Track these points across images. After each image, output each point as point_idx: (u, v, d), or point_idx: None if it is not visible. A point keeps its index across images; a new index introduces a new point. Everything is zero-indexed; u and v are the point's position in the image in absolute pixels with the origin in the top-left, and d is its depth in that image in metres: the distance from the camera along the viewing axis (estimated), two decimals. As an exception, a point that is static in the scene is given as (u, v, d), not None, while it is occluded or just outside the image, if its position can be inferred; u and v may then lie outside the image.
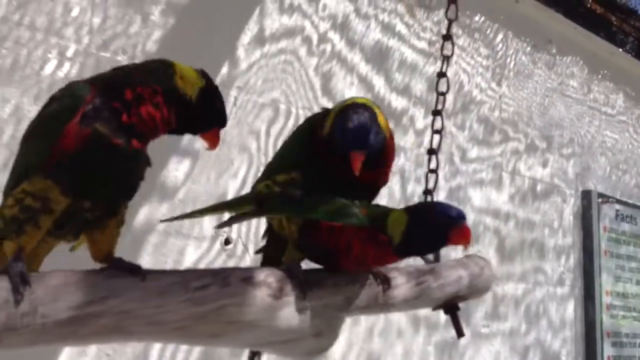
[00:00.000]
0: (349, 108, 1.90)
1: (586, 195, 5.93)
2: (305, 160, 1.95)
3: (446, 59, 2.79)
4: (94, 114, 1.48)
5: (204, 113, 1.64)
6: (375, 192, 2.06)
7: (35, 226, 1.50)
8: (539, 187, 5.55)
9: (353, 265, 1.91)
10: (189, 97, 1.61)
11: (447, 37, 2.80)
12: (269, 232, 2.16)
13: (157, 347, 3.11)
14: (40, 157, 1.49)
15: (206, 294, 1.62)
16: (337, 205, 1.84)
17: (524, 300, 5.30)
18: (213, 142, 1.71)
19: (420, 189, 3.80)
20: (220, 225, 2.20)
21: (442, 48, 2.80)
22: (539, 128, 5.60)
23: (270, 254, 2.14)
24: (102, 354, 2.90)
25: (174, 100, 1.58)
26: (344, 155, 1.83)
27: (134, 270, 1.58)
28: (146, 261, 3.04)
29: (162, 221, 2.84)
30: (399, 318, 4.23)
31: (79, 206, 1.52)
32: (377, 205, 1.98)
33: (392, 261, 1.93)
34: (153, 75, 1.59)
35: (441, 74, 2.80)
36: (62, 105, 1.50)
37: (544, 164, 5.65)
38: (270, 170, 2.13)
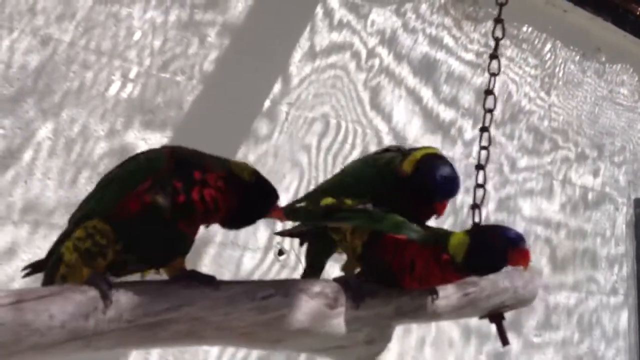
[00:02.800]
0: (434, 158, 2.14)
1: (639, 204, 5.85)
2: (383, 191, 2.10)
3: (493, 76, 2.84)
4: (159, 187, 1.65)
5: (261, 193, 1.80)
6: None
7: (103, 259, 1.67)
8: (590, 196, 5.51)
9: (416, 284, 1.99)
10: (247, 180, 1.77)
11: (494, 56, 2.85)
12: (309, 238, 2.25)
13: (214, 355, 3.23)
14: (108, 207, 1.68)
15: (269, 304, 1.76)
16: (402, 221, 1.96)
17: (577, 310, 5.27)
18: (281, 217, 1.88)
19: (468, 199, 3.84)
20: (282, 234, 2.35)
21: (489, 66, 2.85)
22: (589, 136, 5.57)
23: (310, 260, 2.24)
24: (164, 360, 3.04)
25: (234, 183, 1.74)
26: (425, 198, 2.07)
27: (209, 281, 1.74)
28: (204, 272, 3.15)
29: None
30: (450, 328, 4.26)
31: (126, 257, 1.69)
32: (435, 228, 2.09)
33: (453, 280, 2.01)
34: (215, 162, 1.76)
35: (488, 92, 2.86)
36: (139, 169, 1.70)
37: (595, 173, 5.61)
38: (336, 191, 2.23)
